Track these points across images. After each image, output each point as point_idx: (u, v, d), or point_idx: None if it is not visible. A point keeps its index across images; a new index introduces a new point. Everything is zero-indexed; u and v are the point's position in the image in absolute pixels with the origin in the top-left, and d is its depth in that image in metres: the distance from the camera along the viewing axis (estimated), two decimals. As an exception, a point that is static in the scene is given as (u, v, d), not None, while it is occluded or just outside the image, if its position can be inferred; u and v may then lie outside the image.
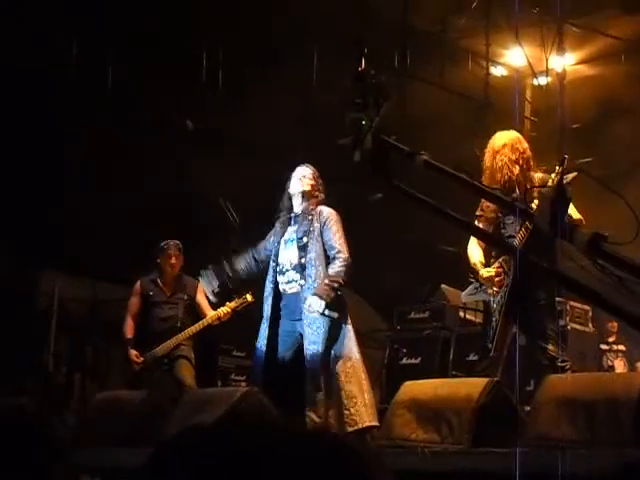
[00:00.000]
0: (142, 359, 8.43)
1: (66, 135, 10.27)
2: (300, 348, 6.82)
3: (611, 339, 10.82)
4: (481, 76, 12.79)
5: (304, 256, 6.85)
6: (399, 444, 5.74)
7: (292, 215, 7.07)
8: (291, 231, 7.01)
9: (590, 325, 9.86)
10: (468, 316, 10.15)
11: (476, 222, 6.52)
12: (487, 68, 12.82)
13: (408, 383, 6.28)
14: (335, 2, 10.69)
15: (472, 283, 6.69)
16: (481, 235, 5.86)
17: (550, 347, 6.38)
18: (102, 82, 10.77)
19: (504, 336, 6.46)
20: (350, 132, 2.75)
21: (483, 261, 6.64)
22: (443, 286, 10.71)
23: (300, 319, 6.81)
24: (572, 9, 10.96)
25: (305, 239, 6.89)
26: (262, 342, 6.96)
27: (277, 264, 6.97)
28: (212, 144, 10.99)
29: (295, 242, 6.94)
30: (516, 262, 6.22)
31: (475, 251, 6.67)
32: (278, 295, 6.99)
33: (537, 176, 6.46)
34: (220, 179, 9.60)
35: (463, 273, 6.98)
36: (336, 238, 6.82)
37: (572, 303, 9.48)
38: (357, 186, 2.83)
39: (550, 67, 11.47)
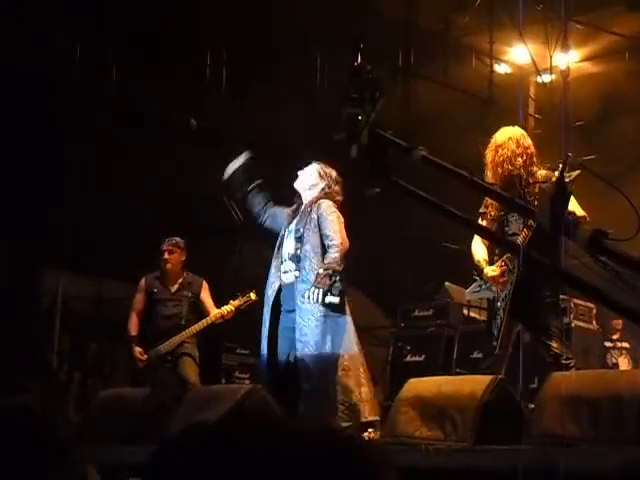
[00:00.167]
0: (146, 356, 8.44)
1: (68, 135, 10.27)
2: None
3: (615, 336, 10.81)
4: (485, 74, 12.77)
5: (300, 247, 6.87)
6: (403, 441, 5.74)
7: (299, 208, 7.08)
8: (294, 222, 7.03)
9: (594, 322, 9.85)
10: (472, 314, 10.15)
11: (480, 220, 6.51)
12: (491, 66, 12.80)
13: (412, 380, 6.28)
14: (337, 1, 10.70)
15: (476, 281, 6.69)
16: (482, 232, 5.85)
17: (554, 344, 6.37)
18: (103, 82, 10.76)
19: (508, 334, 6.45)
20: (346, 127, 2.75)
21: (487, 259, 6.63)
22: (447, 284, 10.71)
23: (294, 310, 6.81)
24: (576, 6, 10.94)
25: (302, 230, 6.91)
26: (264, 341, 6.95)
27: (280, 254, 6.99)
28: (214, 143, 10.99)
29: (293, 233, 6.96)
30: (520, 260, 6.22)
31: (479, 249, 6.66)
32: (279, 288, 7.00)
33: (540, 173, 6.45)
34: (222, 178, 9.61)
35: (467, 271, 6.98)
36: (331, 227, 6.81)
37: (576, 301, 9.47)
38: (361, 183, 2.82)
39: (554, 64, 11.45)
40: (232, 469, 1.48)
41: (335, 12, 10.65)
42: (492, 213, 6.55)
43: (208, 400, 6.70)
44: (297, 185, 7.13)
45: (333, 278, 6.66)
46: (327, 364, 6.68)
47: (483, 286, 6.62)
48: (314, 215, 6.90)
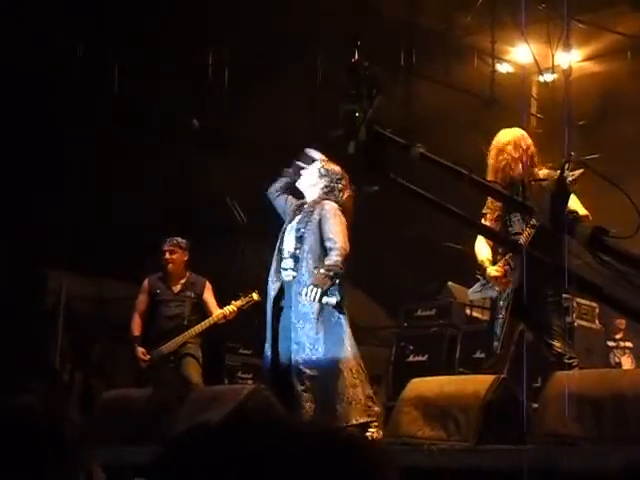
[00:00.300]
0: (149, 357, 8.44)
1: (68, 135, 10.28)
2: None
3: (618, 336, 10.79)
4: (487, 73, 12.76)
5: (299, 247, 6.86)
6: (406, 441, 5.75)
7: (304, 205, 7.07)
8: (297, 219, 7.02)
9: (597, 322, 9.84)
10: (475, 313, 10.13)
11: (482, 220, 6.51)
12: (493, 65, 12.79)
13: (415, 380, 6.28)
14: (338, 1, 10.69)
15: (479, 280, 6.68)
16: (484, 231, 5.85)
17: (557, 344, 6.37)
18: (104, 81, 10.77)
19: (511, 333, 6.45)
20: (344, 124, 2.74)
21: (491, 258, 6.63)
22: (450, 283, 10.70)
23: (291, 307, 6.80)
24: (578, 5, 10.93)
25: (302, 230, 6.90)
26: (268, 342, 6.94)
27: (282, 247, 6.98)
28: (216, 144, 10.99)
29: (294, 232, 6.95)
30: (522, 259, 6.22)
31: (483, 248, 6.66)
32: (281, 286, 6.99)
33: (542, 172, 6.45)
34: (224, 179, 9.62)
35: (469, 270, 6.97)
36: (333, 230, 6.79)
37: (579, 300, 9.46)
38: (365, 184, 2.82)
39: (556, 64, 11.44)
40: (235, 469, 1.48)
41: (336, 12, 10.65)
42: (495, 213, 6.55)
43: (211, 400, 6.70)
44: (300, 184, 7.12)
45: (333, 280, 6.66)
46: (321, 366, 6.66)
47: (486, 286, 6.62)
48: (316, 216, 6.88)
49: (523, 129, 6.91)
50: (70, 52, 10.51)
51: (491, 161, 6.55)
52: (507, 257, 6.51)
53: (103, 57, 10.76)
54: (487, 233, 5.90)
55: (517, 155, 6.48)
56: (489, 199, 6.54)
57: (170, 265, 8.66)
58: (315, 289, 6.60)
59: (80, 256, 10.34)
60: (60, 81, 10.34)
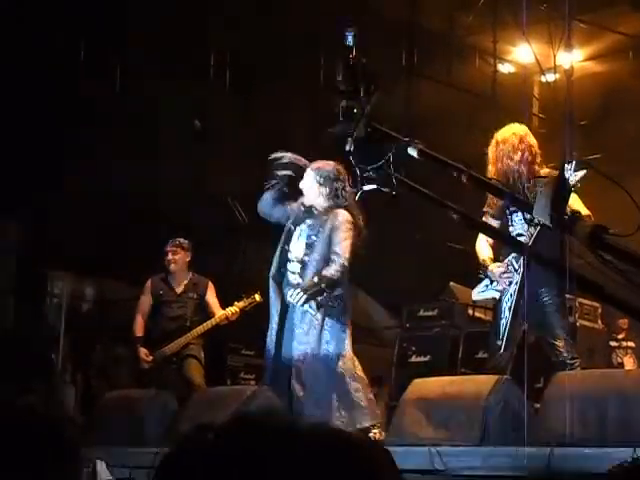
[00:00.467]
0: (151, 358, 8.44)
1: (70, 135, 10.28)
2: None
3: (621, 336, 10.79)
4: (488, 73, 12.77)
5: (308, 254, 6.82)
6: (408, 442, 5.74)
7: (312, 208, 6.97)
8: (307, 223, 6.96)
9: (599, 322, 9.84)
10: (477, 314, 10.13)
11: (483, 218, 6.50)
12: (494, 65, 12.80)
13: (417, 381, 6.29)
14: (339, 1, 10.69)
15: (482, 281, 6.67)
16: (485, 229, 5.84)
17: (560, 344, 6.37)
18: (105, 82, 10.77)
19: (514, 333, 6.44)
20: (342, 120, 2.72)
21: (492, 257, 6.62)
22: (452, 284, 10.70)
23: (295, 310, 6.79)
24: (580, 5, 10.93)
25: (314, 237, 6.84)
26: (272, 340, 6.90)
27: (288, 248, 6.93)
28: (217, 143, 10.99)
29: (305, 238, 6.90)
30: (525, 259, 6.22)
31: (484, 247, 6.66)
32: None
33: (544, 171, 6.43)
34: (225, 179, 9.61)
35: (472, 271, 6.97)
36: (342, 245, 6.73)
37: (581, 300, 9.45)
38: (363, 180, 2.81)
39: (558, 64, 11.43)
40: (238, 470, 1.48)
41: (336, 12, 10.64)
42: (496, 212, 6.54)
43: (213, 402, 6.71)
44: (301, 186, 7.07)
45: (322, 290, 6.61)
46: (323, 370, 6.64)
47: (489, 286, 6.61)
48: (329, 225, 6.81)
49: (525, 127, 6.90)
50: (72, 52, 10.51)
51: (492, 150, 6.52)
52: (510, 257, 6.50)
53: (105, 56, 10.76)
54: (488, 230, 5.89)
55: (519, 147, 6.46)
56: (490, 198, 6.53)
57: (173, 266, 8.66)
58: (300, 293, 6.58)
59: (81, 257, 10.34)
60: (60, 81, 10.33)
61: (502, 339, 6.41)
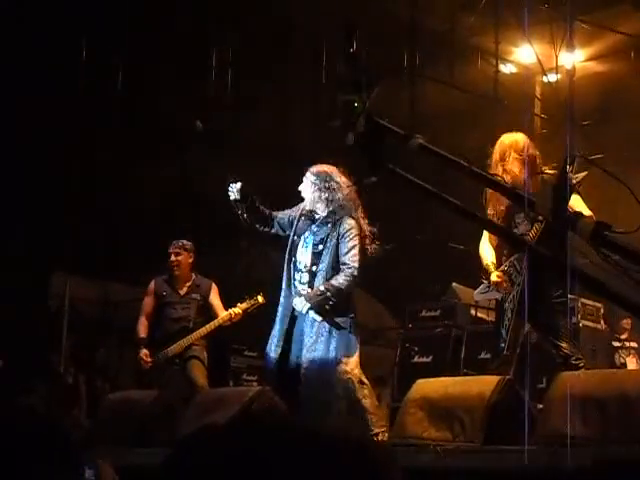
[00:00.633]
0: (151, 359, 8.44)
1: (71, 135, 10.28)
2: None
3: (623, 336, 10.78)
4: (490, 74, 12.78)
5: (316, 264, 6.79)
6: (412, 442, 5.74)
7: (313, 213, 6.96)
8: (312, 230, 6.93)
9: (602, 322, 9.84)
10: (480, 314, 10.13)
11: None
12: (496, 66, 12.80)
13: (420, 381, 6.28)
14: (342, 2, 10.70)
15: (484, 282, 6.68)
16: (487, 225, 5.82)
17: (563, 344, 6.37)
18: (107, 83, 10.77)
19: (517, 334, 6.44)
20: (342, 114, 2.71)
21: (495, 262, 6.62)
22: (454, 284, 10.70)
23: (304, 320, 6.79)
24: (581, 5, 10.93)
25: (321, 247, 6.81)
26: (277, 340, 6.88)
27: (295, 259, 6.91)
28: (219, 145, 11.00)
29: (311, 246, 6.88)
30: (529, 258, 6.22)
31: (487, 251, 6.66)
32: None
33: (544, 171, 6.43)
34: (227, 179, 9.61)
35: (474, 271, 6.97)
36: (350, 254, 6.73)
37: (584, 300, 9.45)
38: (364, 175, 2.80)
39: (560, 64, 11.43)
40: (241, 471, 1.48)
41: (338, 13, 10.65)
42: (499, 214, 6.52)
43: (216, 403, 6.71)
44: (301, 189, 7.06)
45: (327, 301, 6.63)
46: (332, 377, 6.65)
47: (492, 287, 6.62)
48: (334, 234, 6.81)
49: (527, 129, 6.91)
50: (74, 53, 10.51)
51: (494, 156, 6.52)
52: (513, 258, 6.51)
53: (108, 58, 10.77)
54: (491, 227, 5.86)
55: (517, 151, 6.46)
56: (493, 200, 6.53)
57: (176, 267, 8.66)
58: (305, 302, 6.61)
59: (85, 259, 10.35)
60: (63, 82, 10.34)
61: (505, 340, 6.41)
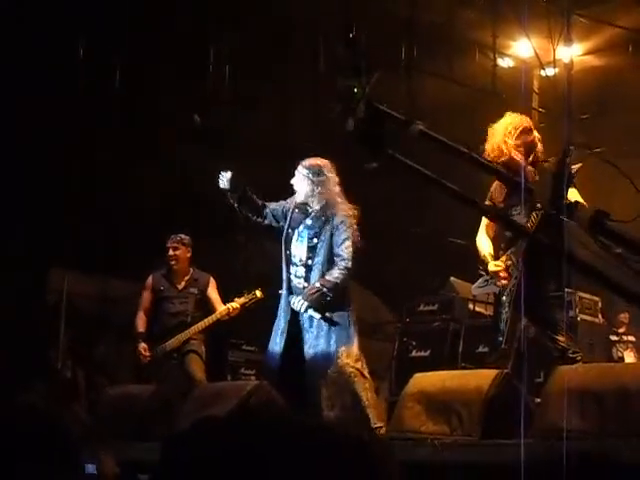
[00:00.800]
0: (149, 353, 8.45)
1: (70, 134, 10.28)
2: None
3: (621, 330, 10.79)
4: (488, 68, 12.76)
5: (312, 257, 6.81)
6: (409, 436, 5.75)
7: (306, 205, 6.98)
8: (306, 224, 6.94)
9: (600, 316, 9.84)
10: (478, 308, 10.13)
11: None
12: (494, 60, 12.79)
13: (418, 375, 6.29)
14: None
15: (482, 275, 6.68)
16: (487, 212, 5.80)
17: (561, 338, 6.37)
18: (106, 81, 10.76)
19: (514, 328, 6.45)
20: (342, 100, 2.70)
21: (493, 253, 6.62)
22: (452, 278, 10.71)
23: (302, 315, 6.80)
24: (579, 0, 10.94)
25: (315, 240, 6.83)
26: (278, 337, 6.88)
27: (290, 253, 6.92)
28: (217, 142, 10.99)
29: (306, 240, 6.88)
30: (526, 251, 6.23)
31: (485, 243, 6.66)
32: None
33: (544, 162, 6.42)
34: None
35: (472, 265, 6.97)
36: (344, 246, 6.74)
37: (581, 294, 9.46)
38: (364, 161, 2.79)
39: (557, 58, 11.43)
40: (238, 464, 1.48)
41: (336, 7, 10.64)
42: (497, 206, 6.52)
43: (214, 397, 6.71)
44: (293, 182, 7.06)
45: (323, 296, 6.64)
46: (333, 371, 6.66)
47: (489, 281, 6.62)
48: (328, 226, 6.82)
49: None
50: (71, 52, 10.50)
51: (489, 138, 6.52)
52: (509, 252, 6.51)
53: (107, 56, 10.75)
54: (490, 214, 5.85)
55: (512, 136, 6.46)
56: (491, 191, 6.53)
57: (174, 262, 8.67)
58: (302, 301, 6.62)
59: (83, 254, 10.35)
60: (62, 81, 10.33)
61: (502, 333, 6.41)
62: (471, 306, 10.23)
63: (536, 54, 11.51)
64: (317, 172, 6.89)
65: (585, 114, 11.52)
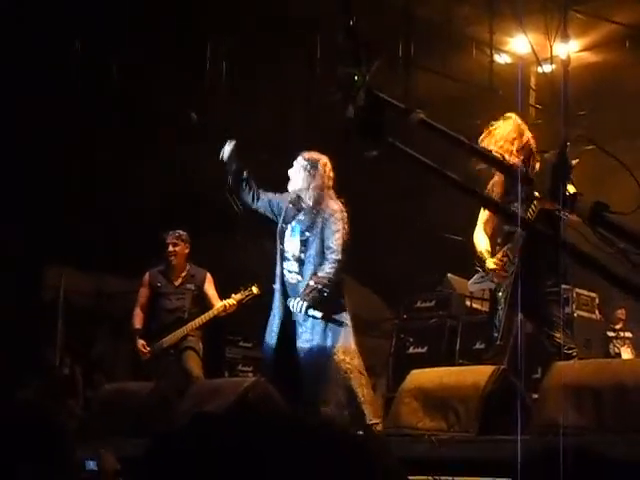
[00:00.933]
0: (149, 349, 8.45)
1: (69, 133, 10.27)
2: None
3: (618, 326, 10.80)
4: (485, 64, 12.76)
5: (304, 251, 6.84)
6: (406, 432, 5.76)
7: (300, 199, 6.99)
8: (298, 218, 6.97)
9: (597, 312, 9.85)
10: (474, 305, 10.14)
11: (482, 209, 6.50)
12: (491, 56, 12.79)
13: (415, 372, 6.29)
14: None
15: (478, 272, 6.68)
16: (486, 202, 5.79)
17: (557, 334, 6.38)
18: (104, 80, 10.75)
19: (510, 324, 6.45)
20: (342, 88, 2.70)
21: (490, 250, 6.62)
22: (449, 275, 10.71)
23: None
24: (576, -5, 10.95)
25: (307, 233, 6.86)
26: (273, 332, 6.90)
27: (283, 248, 6.95)
28: (213, 139, 10.98)
29: (298, 234, 6.91)
30: (522, 247, 6.23)
31: (482, 240, 6.66)
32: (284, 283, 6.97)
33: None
34: (221, 171, 9.62)
35: (469, 262, 6.97)
36: (334, 238, 6.77)
37: (579, 290, 9.47)
38: (364, 149, 2.78)
39: (554, 54, 11.41)
40: (236, 461, 1.48)
41: (334, 3, 10.62)
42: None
43: (211, 393, 6.71)
44: (290, 172, 7.07)
45: (320, 293, 6.66)
46: (329, 367, 6.67)
47: (485, 277, 6.62)
48: (319, 220, 6.85)
49: (522, 119, 6.90)
50: (71, 52, 10.48)
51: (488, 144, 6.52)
52: (506, 248, 6.51)
53: (105, 55, 10.74)
54: (489, 204, 5.84)
55: (510, 144, 6.47)
56: (489, 187, 6.53)
57: (173, 257, 8.67)
58: (301, 302, 6.63)
59: (80, 251, 10.34)
60: (61, 80, 10.32)
61: (499, 330, 6.42)
62: (468, 303, 10.23)
63: (533, 50, 11.51)
64: (314, 165, 6.92)
65: (582, 110, 11.52)
